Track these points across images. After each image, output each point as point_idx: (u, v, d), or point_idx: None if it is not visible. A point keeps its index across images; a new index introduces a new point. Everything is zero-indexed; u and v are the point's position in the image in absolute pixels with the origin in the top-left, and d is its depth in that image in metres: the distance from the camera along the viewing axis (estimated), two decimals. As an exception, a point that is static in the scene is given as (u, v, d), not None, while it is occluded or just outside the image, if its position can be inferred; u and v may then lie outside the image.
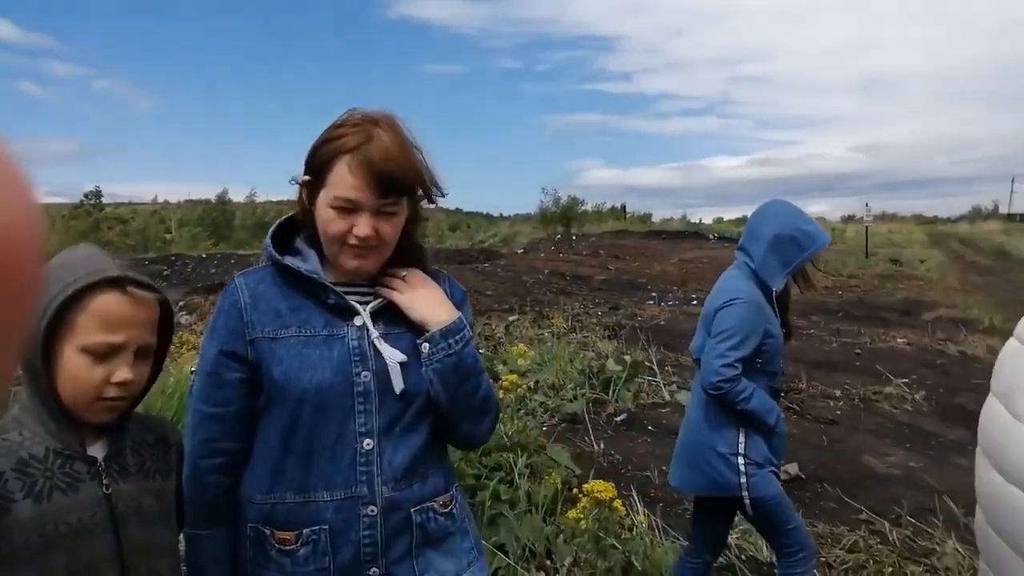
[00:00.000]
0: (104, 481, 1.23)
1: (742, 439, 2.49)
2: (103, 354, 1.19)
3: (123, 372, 1.21)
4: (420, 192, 1.46)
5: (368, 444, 1.37)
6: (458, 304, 1.51)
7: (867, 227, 24.05)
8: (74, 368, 1.18)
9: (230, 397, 1.39)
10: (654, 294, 14.51)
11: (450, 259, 19.29)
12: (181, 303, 11.58)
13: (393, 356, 1.39)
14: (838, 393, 6.81)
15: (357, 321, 1.41)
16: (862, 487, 4.58)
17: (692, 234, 31.19)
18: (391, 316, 1.45)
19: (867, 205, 24.27)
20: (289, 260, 1.43)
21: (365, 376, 1.38)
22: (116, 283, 1.20)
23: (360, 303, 1.43)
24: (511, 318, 10.20)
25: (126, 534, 1.23)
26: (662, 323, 10.47)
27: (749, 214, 2.78)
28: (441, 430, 1.49)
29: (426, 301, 1.45)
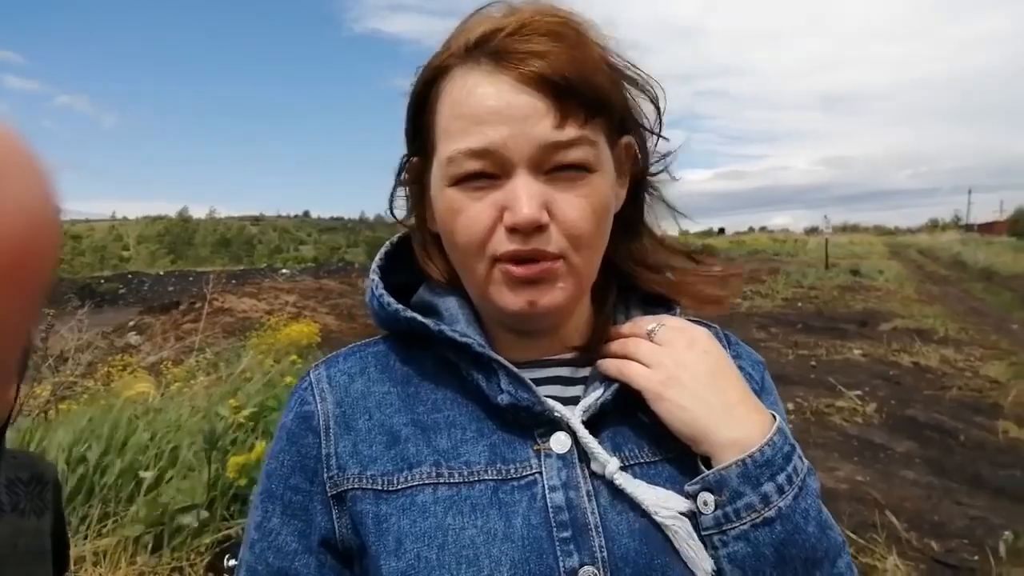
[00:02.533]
0: None
1: None
2: None
3: None
4: (628, 120, 0.73)
5: None
6: (759, 389, 0.78)
7: (827, 239, 24.40)
8: None
9: None
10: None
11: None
12: (132, 323, 11.34)
13: (667, 503, 0.67)
14: (790, 407, 6.82)
15: (557, 444, 0.69)
16: (808, 503, 4.56)
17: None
18: (620, 424, 0.72)
19: (826, 218, 24.65)
20: (416, 317, 0.72)
21: (588, 574, 0.64)
22: None
23: (560, 400, 0.71)
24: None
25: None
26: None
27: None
28: None
29: (701, 389, 0.69)
